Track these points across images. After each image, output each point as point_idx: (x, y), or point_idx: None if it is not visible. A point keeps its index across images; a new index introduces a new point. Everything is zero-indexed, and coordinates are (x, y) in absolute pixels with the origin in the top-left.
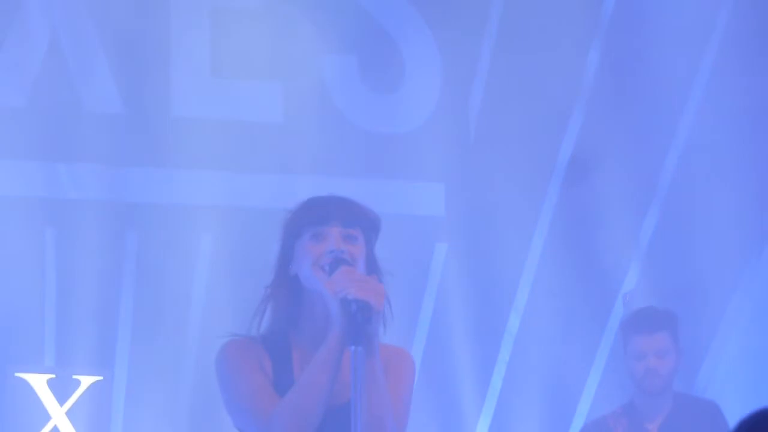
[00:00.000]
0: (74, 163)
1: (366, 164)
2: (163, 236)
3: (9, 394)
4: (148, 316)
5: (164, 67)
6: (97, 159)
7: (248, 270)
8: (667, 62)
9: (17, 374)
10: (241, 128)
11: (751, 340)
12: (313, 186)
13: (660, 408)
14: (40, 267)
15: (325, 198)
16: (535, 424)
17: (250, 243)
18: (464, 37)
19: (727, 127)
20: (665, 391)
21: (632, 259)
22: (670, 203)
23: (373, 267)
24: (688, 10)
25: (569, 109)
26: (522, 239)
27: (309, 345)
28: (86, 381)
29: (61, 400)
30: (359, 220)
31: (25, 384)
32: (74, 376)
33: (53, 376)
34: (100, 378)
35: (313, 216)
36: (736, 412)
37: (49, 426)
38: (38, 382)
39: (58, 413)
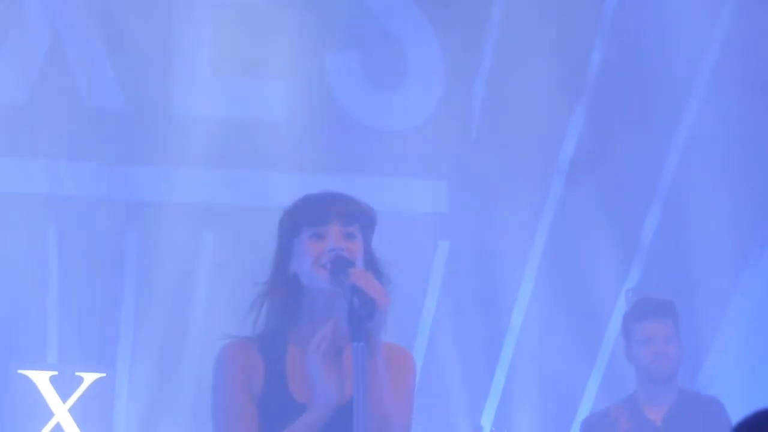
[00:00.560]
0: (76, 160)
1: (368, 162)
2: (164, 233)
3: (12, 391)
4: (149, 313)
5: (166, 65)
6: (98, 157)
7: (249, 267)
8: (669, 62)
9: (20, 371)
10: (243, 126)
11: (751, 339)
12: (315, 184)
13: (664, 398)
14: (42, 264)
15: (321, 195)
16: (537, 422)
17: (251, 241)
18: (467, 34)
19: (728, 127)
20: (673, 377)
21: (634, 258)
22: (671, 202)
23: (371, 261)
24: (689, 10)
25: (571, 107)
26: (524, 237)
27: (306, 340)
28: (89, 378)
29: (64, 397)
30: (357, 217)
31: (28, 381)
32: (77, 373)
33: (56, 373)
34: (103, 375)
35: (312, 214)
36: (736, 411)
37: (52, 423)
38: (41, 379)
39: (60, 410)
